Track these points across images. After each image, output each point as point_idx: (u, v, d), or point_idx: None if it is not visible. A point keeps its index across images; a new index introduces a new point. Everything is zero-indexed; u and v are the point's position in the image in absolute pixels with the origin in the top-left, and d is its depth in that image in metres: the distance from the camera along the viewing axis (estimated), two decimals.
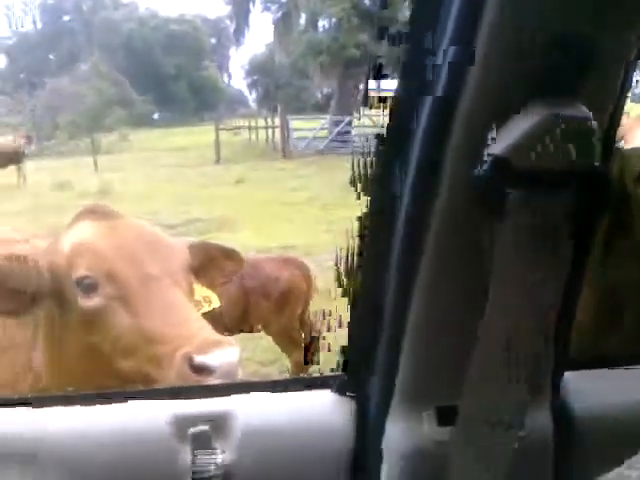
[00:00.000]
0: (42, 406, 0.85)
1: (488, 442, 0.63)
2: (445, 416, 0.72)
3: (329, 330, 4.86)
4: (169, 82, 62.96)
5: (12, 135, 18.40)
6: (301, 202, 11.57)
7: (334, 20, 24.43)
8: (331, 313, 5.23)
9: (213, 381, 1.18)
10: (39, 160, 20.09)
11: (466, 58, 0.63)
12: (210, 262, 1.64)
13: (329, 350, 4.49)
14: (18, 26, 61.77)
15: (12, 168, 16.24)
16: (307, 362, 3.91)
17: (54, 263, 1.42)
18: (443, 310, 0.71)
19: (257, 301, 3.68)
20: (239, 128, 31.43)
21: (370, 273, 0.84)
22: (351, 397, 0.86)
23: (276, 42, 29.65)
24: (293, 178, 15.49)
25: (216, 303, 1.63)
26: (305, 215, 10.20)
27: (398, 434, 0.75)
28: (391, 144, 0.82)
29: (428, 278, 0.71)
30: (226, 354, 1.25)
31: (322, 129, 24.76)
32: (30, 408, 0.84)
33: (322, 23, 26.51)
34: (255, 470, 0.79)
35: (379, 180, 0.78)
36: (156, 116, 62.39)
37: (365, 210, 0.79)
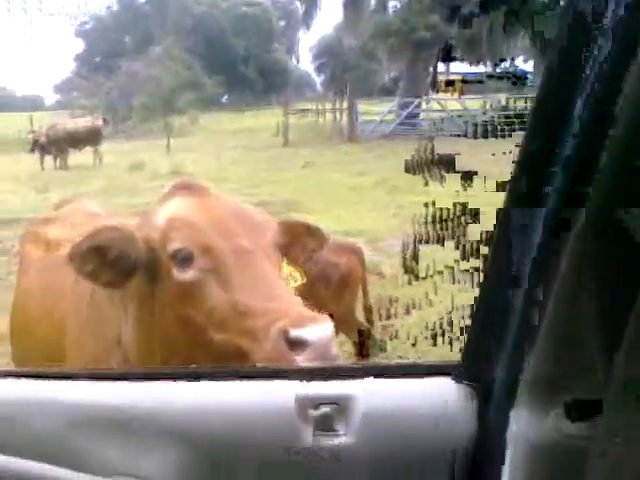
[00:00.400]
0: (167, 379, 0.88)
1: (636, 439, 0.61)
2: (579, 410, 0.70)
3: (395, 317, 4.84)
4: (238, 64, 63.76)
5: (89, 117, 19.14)
6: (368, 186, 11.50)
7: (405, 1, 23.96)
8: (397, 299, 5.21)
9: (310, 356, 1.18)
10: (114, 142, 20.85)
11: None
12: (295, 239, 1.63)
13: (396, 337, 4.47)
14: (95, 11, 63.68)
15: (88, 150, 16.95)
16: (364, 347, 3.89)
17: (149, 236, 1.44)
18: (578, 302, 0.68)
19: (318, 287, 3.67)
20: (306, 111, 31.51)
21: (500, 260, 0.80)
22: (473, 386, 0.84)
23: (345, 24, 29.37)
24: (360, 162, 15.41)
25: (301, 280, 1.64)
26: (372, 199, 10.14)
27: (524, 425, 0.73)
28: (538, 134, 0.72)
29: (565, 271, 0.68)
30: (321, 329, 1.24)
31: (389, 112, 24.49)
32: (153, 382, 0.88)
33: (392, 4, 26.09)
34: (375, 455, 0.80)
35: (523, 173, 0.74)
36: (225, 99, 63.52)
37: (506, 198, 0.75)
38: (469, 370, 0.86)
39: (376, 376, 0.89)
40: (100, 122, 17.58)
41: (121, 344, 1.58)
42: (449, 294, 5.24)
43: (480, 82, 41.63)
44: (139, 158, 15.68)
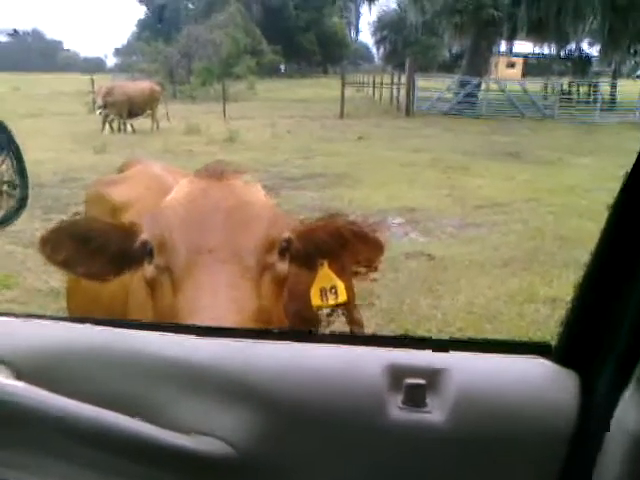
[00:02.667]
0: (251, 338, 0.86)
1: None
2: None
3: (441, 299, 4.78)
4: (298, 35, 63.40)
5: (147, 81, 19.38)
6: (422, 163, 11.32)
7: None
8: (444, 282, 5.15)
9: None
10: (172, 104, 21.12)
11: None
12: (341, 245, 1.36)
13: (442, 320, 4.41)
14: None
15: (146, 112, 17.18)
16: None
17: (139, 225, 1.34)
18: None
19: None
20: (364, 85, 31.13)
21: (614, 241, 0.75)
22: (575, 369, 0.80)
23: (411, 0, 28.66)
24: (415, 138, 15.17)
25: (342, 297, 1.38)
26: (426, 177, 9.98)
27: (631, 418, 0.69)
28: None
29: None
30: None
31: (448, 90, 23.95)
32: (236, 340, 0.86)
33: None
34: (464, 433, 0.76)
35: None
36: (283, 67, 63.33)
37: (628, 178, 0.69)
38: (569, 353, 0.81)
39: (469, 350, 0.84)
40: (158, 87, 17.77)
41: None
42: (500, 279, 5.14)
43: (543, 64, 40.22)
44: (196, 123, 15.86)
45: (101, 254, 1.31)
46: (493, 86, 23.75)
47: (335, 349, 0.83)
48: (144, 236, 1.25)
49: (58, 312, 4.28)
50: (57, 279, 4.73)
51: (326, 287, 1.38)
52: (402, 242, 6.21)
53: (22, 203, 1.18)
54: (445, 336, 4.04)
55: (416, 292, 4.81)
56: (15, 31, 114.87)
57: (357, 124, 18.04)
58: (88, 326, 0.89)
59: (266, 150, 12.63)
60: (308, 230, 1.37)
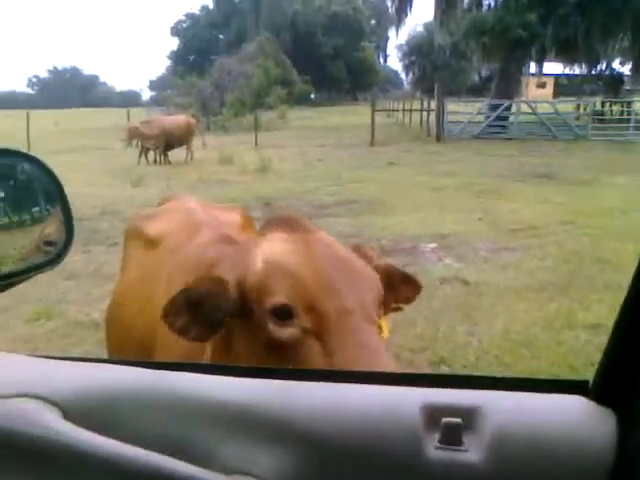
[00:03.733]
0: (289, 378, 0.87)
1: None
2: None
3: (477, 326, 4.73)
4: (327, 63, 64.40)
5: (183, 114, 19.90)
6: (454, 188, 11.29)
7: None
8: (479, 308, 5.10)
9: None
10: (205, 136, 21.57)
11: None
12: (388, 286, 1.41)
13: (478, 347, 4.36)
14: (192, 10, 66.02)
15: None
16: None
17: (244, 280, 1.31)
18: None
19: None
20: (394, 111, 31.29)
21: None
22: (613, 408, 0.79)
23: (437, 22, 28.85)
24: (446, 162, 15.16)
25: (386, 333, 1.43)
26: (458, 202, 9.94)
27: None
28: None
29: None
30: None
31: (479, 114, 23.92)
32: (275, 379, 0.87)
33: (487, 2, 25.40)
34: (502, 471, 0.75)
35: None
36: (313, 96, 64.19)
37: None
38: (607, 391, 0.80)
39: (504, 388, 0.84)
40: (193, 120, 18.24)
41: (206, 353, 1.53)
42: (537, 304, 5.07)
43: (574, 83, 39.82)
44: (228, 153, 16.16)
45: (203, 318, 1.30)
46: (524, 108, 23.60)
47: (371, 389, 0.84)
48: (281, 300, 1.23)
49: (98, 343, 4.39)
50: (98, 310, 4.85)
51: None
52: (436, 268, 6.20)
53: (64, 252, 1.23)
54: (483, 364, 3.99)
55: (451, 318, 4.77)
56: (54, 68, 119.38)
57: (387, 150, 18.13)
58: (130, 368, 0.91)
59: (298, 179, 12.77)
60: None
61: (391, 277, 1.44)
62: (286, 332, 1.22)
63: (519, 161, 15.24)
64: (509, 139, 21.43)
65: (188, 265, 1.80)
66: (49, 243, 1.25)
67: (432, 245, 7.18)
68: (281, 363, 1.23)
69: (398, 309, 1.51)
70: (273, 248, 1.34)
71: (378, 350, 1.19)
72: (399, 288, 1.47)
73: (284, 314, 1.22)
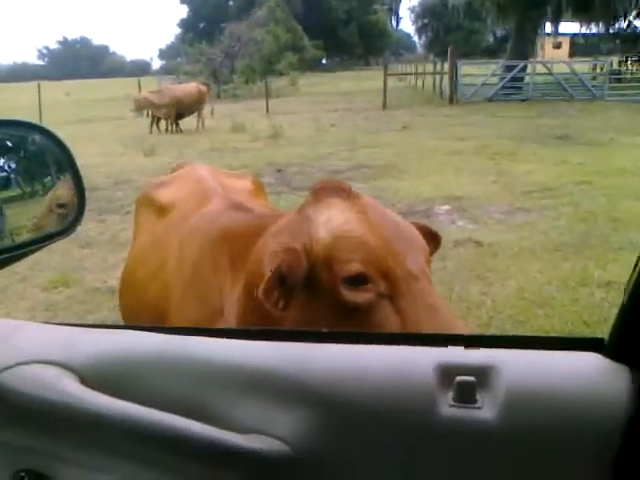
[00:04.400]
0: (306, 340, 0.89)
1: None
2: None
3: (491, 286, 4.72)
4: (339, 27, 63.37)
5: (194, 82, 19.76)
6: (468, 151, 11.15)
7: None
8: (493, 269, 5.08)
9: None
10: (216, 103, 21.43)
11: None
12: None
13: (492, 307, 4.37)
14: None
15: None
16: None
17: (312, 251, 1.33)
18: None
19: None
20: (406, 74, 30.83)
21: None
22: (628, 364, 0.78)
23: None
24: (460, 126, 14.95)
25: None
26: (472, 165, 9.83)
27: None
28: None
29: None
30: None
31: (493, 75, 23.45)
32: (292, 342, 0.89)
33: None
34: (514, 431, 0.77)
35: None
36: (324, 61, 63.33)
37: None
38: (622, 348, 0.79)
39: (518, 347, 0.85)
40: (204, 87, 18.09)
41: (224, 316, 1.56)
42: (551, 264, 5.05)
43: (591, 43, 38.80)
44: (240, 121, 16.07)
45: (293, 286, 1.32)
46: (540, 68, 23.10)
47: (387, 349, 0.85)
48: (358, 268, 1.27)
49: (114, 309, 4.46)
50: (114, 277, 4.91)
51: None
52: (450, 230, 6.17)
53: (77, 221, 1.24)
54: (497, 323, 4.00)
55: (465, 279, 4.77)
56: (64, 39, 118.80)
57: (400, 114, 17.91)
58: (145, 333, 0.93)
59: (310, 144, 12.69)
60: None
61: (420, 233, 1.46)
62: (361, 297, 1.25)
63: (535, 122, 14.99)
64: (524, 100, 21.06)
65: (199, 232, 1.82)
66: (61, 205, 1.27)
67: (445, 207, 7.14)
68: (351, 327, 1.25)
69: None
70: (333, 216, 1.36)
71: (446, 310, 1.25)
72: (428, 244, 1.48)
73: (359, 281, 1.26)
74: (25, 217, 1.24)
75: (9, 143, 1.24)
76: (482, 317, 4.08)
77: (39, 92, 21.90)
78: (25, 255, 1.12)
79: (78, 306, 4.68)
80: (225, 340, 0.90)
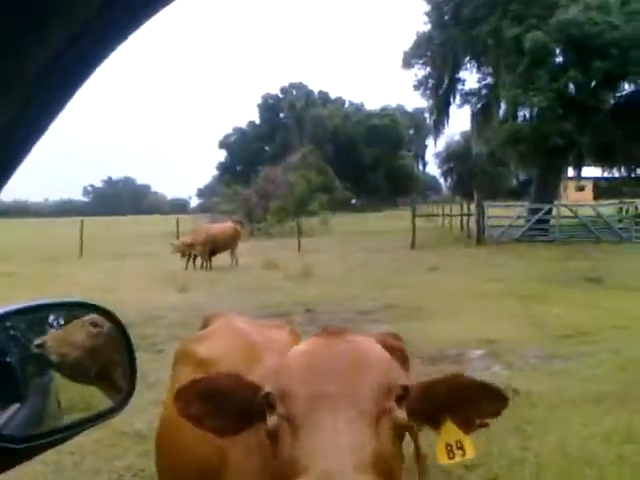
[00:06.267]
0: None
1: None
2: None
3: (530, 440, 4.51)
4: (368, 171, 66.78)
5: (229, 221, 20.69)
6: (497, 293, 11.15)
7: (536, 109, 23.99)
8: (532, 421, 4.88)
9: None
10: (250, 241, 22.16)
11: None
12: (465, 399, 1.37)
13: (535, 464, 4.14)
14: (239, 124, 70.33)
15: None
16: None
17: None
18: None
19: None
20: (434, 216, 31.75)
21: None
22: None
23: (474, 133, 29.86)
24: (488, 267, 15.08)
25: (470, 451, 1.37)
26: (502, 307, 9.78)
27: None
28: None
29: None
30: None
31: (519, 217, 24.02)
32: None
33: (523, 112, 26.21)
34: None
35: None
36: (354, 201, 65.91)
37: None
38: None
39: None
40: (239, 226, 18.89)
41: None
42: (592, 417, 4.83)
43: (614, 186, 39.79)
44: (272, 258, 16.52)
45: (227, 409, 1.35)
46: (564, 211, 23.62)
47: None
48: (267, 388, 1.29)
49: (141, 455, 4.35)
50: (142, 421, 4.85)
51: (451, 442, 1.38)
52: (485, 376, 6.00)
53: (127, 400, 1.28)
54: None
55: (503, 431, 4.55)
56: (109, 178, 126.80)
57: (429, 254, 18.19)
58: None
59: (340, 283, 12.86)
60: (429, 384, 1.39)
61: (467, 390, 1.37)
62: (270, 420, 1.25)
63: (563, 264, 15.04)
64: (551, 242, 21.30)
65: None
66: (95, 325, 1.32)
67: (479, 352, 7.02)
68: (277, 454, 1.23)
69: (484, 425, 1.40)
70: (293, 350, 1.39)
71: (345, 433, 1.14)
72: (481, 402, 1.37)
73: (270, 404, 1.26)
74: (76, 396, 1.28)
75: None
76: (525, 475, 3.86)
77: (81, 228, 23.08)
78: (77, 434, 1.14)
79: (105, 450, 4.58)
80: None
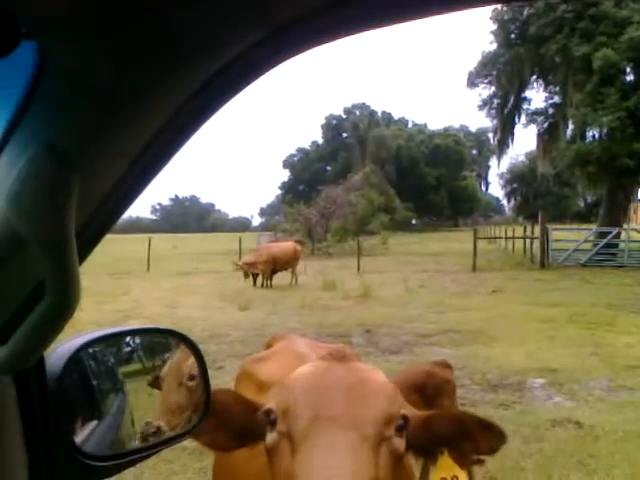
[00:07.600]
0: None
1: None
2: None
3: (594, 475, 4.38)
4: (429, 191, 66.21)
5: (290, 240, 20.99)
6: (562, 318, 10.81)
7: (605, 129, 23.27)
8: (596, 455, 4.73)
9: None
10: (309, 260, 22.36)
11: None
12: (463, 434, 1.38)
13: None
14: (303, 144, 71.49)
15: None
16: None
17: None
18: None
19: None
20: (497, 238, 31.11)
21: None
22: None
23: (540, 153, 29.18)
24: (552, 291, 14.65)
25: None
26: (567, 334, 9.48)
27: None
28: None
29: None
30: None
31: (586, 241, 23.17)
32: None
33: (591, 132, 25.47)
34: None
35: None
36: (414, 221, 65.45)
37: None
38: None
39: None
40: (299, 246, 19.17)
41: None
42: None
43: None
44: (331, 278, 16.65)
45: (226, 425, 1.42)
46: (634, 235, 22.64)
47: None
48: (269, 405, 1.34)
49: (200, 471, 4.48)
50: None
51: (447, 477, 1.40)
52: (546, 407, 5.88)
53: (201, 422, 1.33)
54: None
55: (565, 466, 4.46)
56: (175, 196, 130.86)
57: (490, 277, 17.85)
58: None
59: (399, 305, 12.81)
60: (428, 417, 1.41)
61: (465, 426, 1.38)
62: (270, 437, 1.30)
63: (633, 290, 14.44)
64: (619, 267, 20.46)
65: None
66: (192, 378, 1.38)
67: (540, 381, 6.85)
68: (275, 469, 1.28)
69: (479, 462, 1.40)
70: (297, 371, 1.44)
71: (343, 453, 1.17)
72: (479, 436, 1.37)
73: (271, 421, 1.31)
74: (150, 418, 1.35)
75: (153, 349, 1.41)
76: None
77: (149, 245, 23.98)
78: (149, 456, 1.17)
79: (164, 465, 4.71)
80: None
